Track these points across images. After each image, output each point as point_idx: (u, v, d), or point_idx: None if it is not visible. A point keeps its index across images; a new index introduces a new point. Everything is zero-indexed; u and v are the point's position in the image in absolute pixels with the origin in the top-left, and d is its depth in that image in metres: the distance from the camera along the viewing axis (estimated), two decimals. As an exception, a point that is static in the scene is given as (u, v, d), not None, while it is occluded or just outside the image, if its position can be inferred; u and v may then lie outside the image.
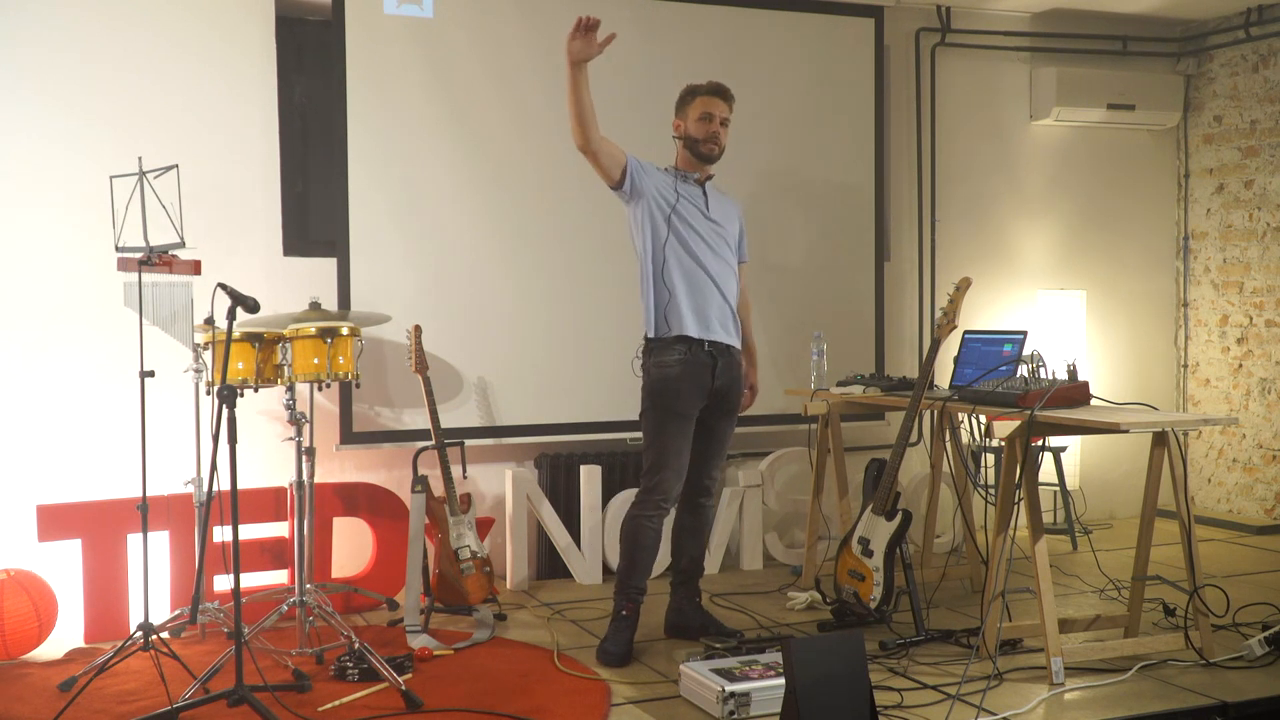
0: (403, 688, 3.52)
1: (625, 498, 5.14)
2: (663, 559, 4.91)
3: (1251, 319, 6.37)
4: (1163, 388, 6.72)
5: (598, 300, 5.26)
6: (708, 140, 4.16)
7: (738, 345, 4.23)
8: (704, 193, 4.21)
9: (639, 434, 5.24)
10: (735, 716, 3.38)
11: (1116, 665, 3.79)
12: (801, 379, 5.34)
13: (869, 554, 4.21)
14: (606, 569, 5.15)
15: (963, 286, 4.31)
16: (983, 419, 4.19)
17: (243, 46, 4.89)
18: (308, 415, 4.12)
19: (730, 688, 3.39)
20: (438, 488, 4.53)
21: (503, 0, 5.13)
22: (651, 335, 4.10)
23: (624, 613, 4.07)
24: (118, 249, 3.97)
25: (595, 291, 5.26)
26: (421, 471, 4.50)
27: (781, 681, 3.15)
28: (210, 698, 3.33)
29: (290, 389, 4.09)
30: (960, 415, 4.57)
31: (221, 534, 4.17)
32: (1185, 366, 6.74)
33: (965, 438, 4.75)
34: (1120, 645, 3.85)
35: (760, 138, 5.56)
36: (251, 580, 4.55)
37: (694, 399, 4.08)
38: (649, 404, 4.11)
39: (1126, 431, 3.68)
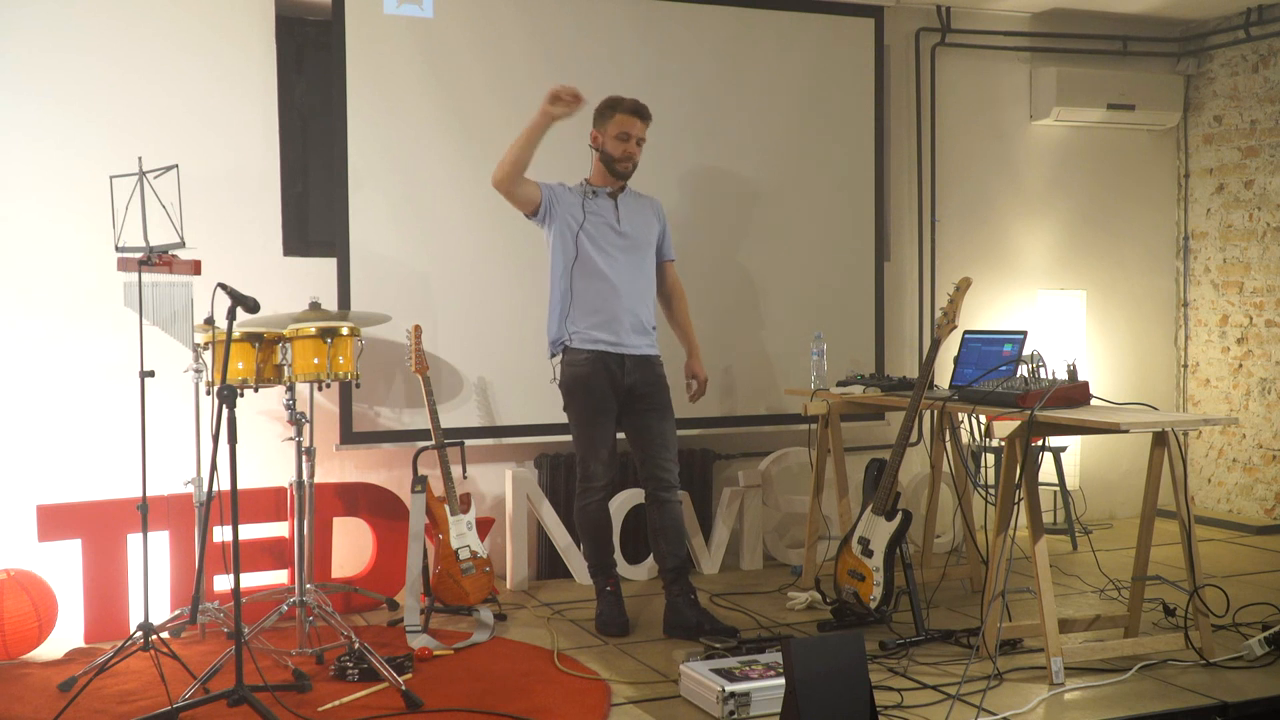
0: (403, 688, 3.52)
1: (624, 497, 5.14)
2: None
3: (1251, 319, 6.37)
4: (1163, 388, 6.72)
5: (598, 300, 5.25)
6: (623, 159, 4.37)
7: (649, 353, 4.41)
8: (615, 206, 4.36)
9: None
10: (735, 716, 3.38)
11: (1116, 665, 3.79)
12: (801, 379, 5.34)
13: (869, 554, 4.21)
14: (606, 569, 5.15)
15: (963, 286, 4.31)
16: (983, 419, 4.20)
17: (243, 46, 4.89)
18: (308, 415, 4.12)
19: (730, 688, 3.39)
20: (438, 488, 4.53)
21: (503, 0, 5.13)
22: (556, 340, 4.37)
23: (608, 589, 4.41)
24: (118, 249, 3.97)
25: (595, 291, 5.25)
26: (421, 471, 4.50)
27: (781, 681, 3.15)
28: (210, 698, 3.33)
29: (290, 389, 4.09)
30: (960, 415, 4.57)
31: (221, 534, 4.17)
32: (1185, 366, 6.74)
33: (965, 438, 4.75)
34: (1120, 645, 3.85)
35: (760, 137, 5.56)
36: (251, 580, 4.55)
37: (605, 395, 4.32)
38: (566, 401, 4.40)
39: (1126, 431, 3.68)
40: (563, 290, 4.36)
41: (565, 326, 4.35)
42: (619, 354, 4.32)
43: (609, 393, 4.33)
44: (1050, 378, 4.07)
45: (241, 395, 3.50)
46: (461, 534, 4.50)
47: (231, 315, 3.42)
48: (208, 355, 4.18)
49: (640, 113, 4.36)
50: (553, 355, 4.43)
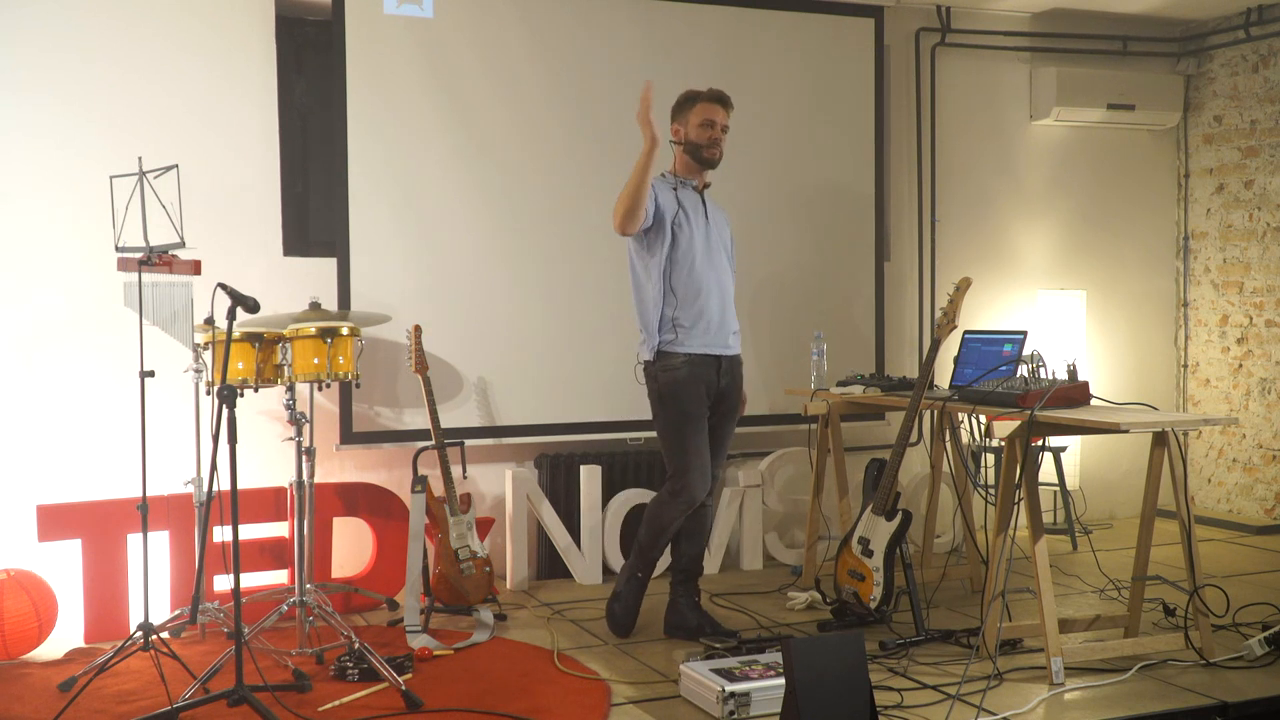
0: (403, 688, 3.52)
1: (625, 498, 5.14)
2: (663, 559, 4.92)
3: (1251, 319, 6.37)
4: (1163, 388, 6.72)
5: (598, 300, 5.26)
6: (710, 146, 4.22)
7: (739, 352, 4.33)
8: (703, 200, 4.25)
9: (639, 434, 5.29)
10: (735, 716, 3.38)
11: (1116, 665, 3.80)
12: (801, 379, 5.34)
13: (869, 554, 4.21)
14: (606, 569, 5.15)
15: (963, 286, 4.31)
16: (983, 419, 4.20)
17: (243, 46, 4.89)
18: (308, 415, 4.12)
19: (730, 688, 3.39)
20: (438, 488, 4.53)
21: (503, 0, 5.13)
22: (656, 347, 4.13)
23: (639, 574, 4.29)
24: (118, 249, 3.97)
25: (595, 291, 5.26)
26: (421, 471, 4.50)
27: (781, 681, 3.15)
28: (210, 698, 3.33)
29: (290, 389, 4.09)
30: (960, 415, 4.57)
31: (221, 534, 4.17)
32: (1185, 366, 6.74)
33: (965, 438, 4.75)
34: (1120, 645, 3.85)
35: (760, 138, 5.56)
36: (251, 580, 4.55)
37: (703, 398, 4.17)
38: (661, 409, 4.18)
39: (1126, 431, 3.68)
40: (659, 278, 4.11)
41: (668, 325, 4.12)
42: (716, 355, 4.19)
43: (705, 398, 4.18)
44: (1050, 378, 4.07)
45: (241, 395, 3.50)
46: (461, 534, 4.50)
47: (231, 315, 3.42)
48: (208, 355, 4.18)
49: (723, 100, 4.23)
50: (650, 359, 4.17)
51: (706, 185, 4.29)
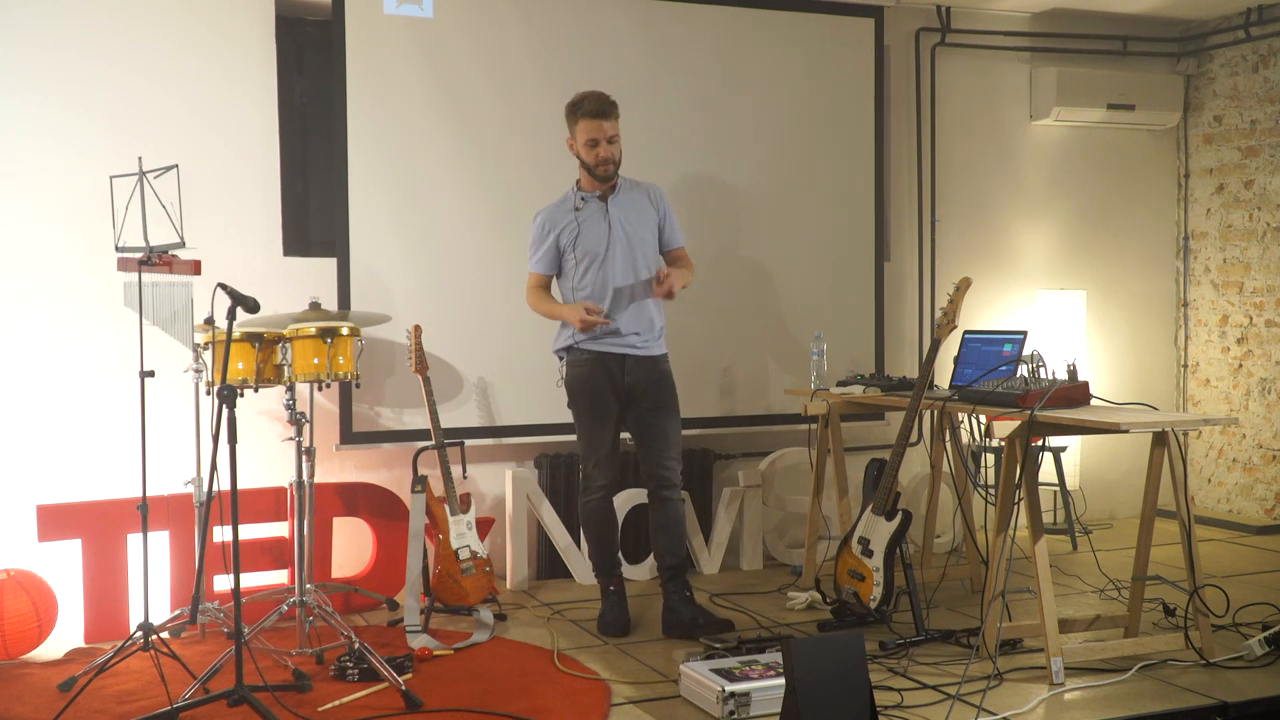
0: (403, 688, 3.52)
1: (625, 497, 5.14)
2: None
3: (1251, 319, 6.37)
4: (1163, 388, 6.72)
5: (598, 300, 5.26)
6: (599, 164, 4.26)
7: (653, 352, 4.36)
8: (606, 209, 4.30)
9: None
10: (735, 716, 3.38)
11: (1116, 665, 3.80)
12: (801, 379, 5.34)
13: (869, 554, 4.21)
14: (606, 569, 5.15)
15: (963, 286, 4.31)
16: (983, 419, 4.19)
17: (243, 46, 4.89)
18: (308, 415, 4.12)
19: (730, 688, 3.39)
20: (438, 488, 4.53)
21: (503, 1, 5.13)
22: (558, 349, 4.38)
23: (611, 589, 4.41)
24: (118, 249, 3.97)
25: (595, 291, 5.25)
26: (421, 471, 4.50)
27: (781, 681, 3.15)
28: (210, 698, 3.33)
29: (290, 389, 4.09)
30: (960, 415, 4.57)
31: (221, 534, 4.17)
32: (1185, 366, 6.74)
33: (965, 438, 4.75)
34: (1120, 645, 3.85)
35: (760, 137, 5.56)
36: (251, 580, 4.55)
37: (605, 397, 4.32)
38: (569, 401, 4.41)
39: (1126, 431, 3.68)
40: (564, 298, 4.37)
41: (570, 331, 4.32)
42: (619, 354, 4.30)
43: (608, 394, 4.31)
44: (1050, 378, 4.07)
45: (241, 395, 3.50)
46: (461, 534, 4.50)
47: (231, 315, 3.42)
48: (208, 355, 4.18)
49: (603, 112, 4.21)
50: (559, 356, 4.42)
51: (613, 189, 4.33)
